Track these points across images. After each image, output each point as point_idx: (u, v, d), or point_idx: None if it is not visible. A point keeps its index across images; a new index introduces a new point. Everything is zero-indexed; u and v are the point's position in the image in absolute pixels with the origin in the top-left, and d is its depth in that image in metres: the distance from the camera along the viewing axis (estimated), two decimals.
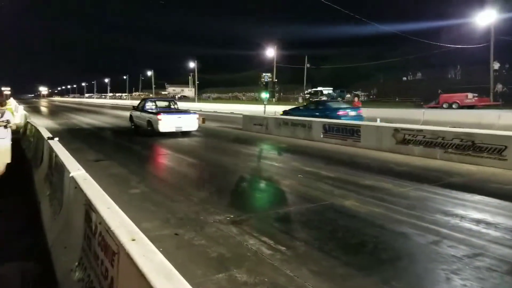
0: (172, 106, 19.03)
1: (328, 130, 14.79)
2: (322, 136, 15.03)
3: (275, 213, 6.20)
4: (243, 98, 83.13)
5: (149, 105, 18.40)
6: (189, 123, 17.10)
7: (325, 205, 6.58)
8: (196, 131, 18.27)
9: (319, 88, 68.23)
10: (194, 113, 17.63)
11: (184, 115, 17.31)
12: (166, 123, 16.49)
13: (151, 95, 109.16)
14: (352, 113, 18.81)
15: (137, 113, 18.92)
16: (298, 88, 71.13)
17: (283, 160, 11.19)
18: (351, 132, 13.75)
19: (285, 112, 21.26)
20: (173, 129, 16.67)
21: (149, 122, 17.22)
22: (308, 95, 64.12)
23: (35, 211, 6.08)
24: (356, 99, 27.09)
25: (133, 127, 19.58)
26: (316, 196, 7.12)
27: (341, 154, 12.10)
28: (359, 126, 13.72)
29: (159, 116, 16.46)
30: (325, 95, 63.39)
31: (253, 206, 6.92)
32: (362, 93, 62.03)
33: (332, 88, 69.43)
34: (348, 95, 58.36)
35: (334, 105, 19.93)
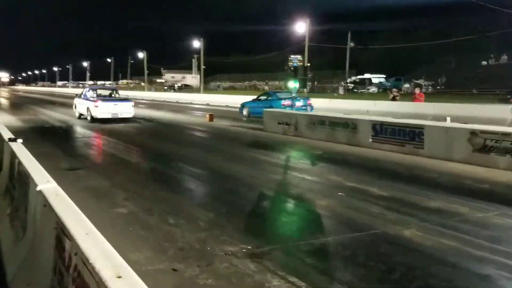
0: (113, 95, 25.55)
1: (380, 132, 14.65)
2: (371, 140, 14.89)
3: (308, 244, 6.13)
4: (265, 88, 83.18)
5: (90, 94, 24.81)
6: (126, 110, 23.69)
7: (376, 234, 6.47)
8: (202, 131, 18.47)
9: (367, 76, 67.85)
10: (130, 100, 24.85)
11: (121, 102, 23.89)
12: (102, 110, 22.77)
13: (142, 83, 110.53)
14: (299, 103, 24.53)
15: (80, 100, 25.36)
16: (338, 75, 70.91)
17: (318, 172, 11.12)
18: (411, 136, 13.57)
19: (242, 105, 28.13)
20: (109, 115, 22.79)
21: (88, 109, 23.62)
22: (352, 85, 63.88)
23: None
24: (417, 90, 26.91)
25: (77, 114, 25.99)
26: (363, 222, 7.03)
27: (397, 165, 11.95)
28: (421, 127, 13.53)
29: (95, 103, 22.77)
30: (375, 84, 63.12)
31: (278, 234, 6.86)
32: (426, 83, 61.40)
33: (384, 76, 68.99)
34: (407, 85, 57.87)
35: (281, 95, 26.37)
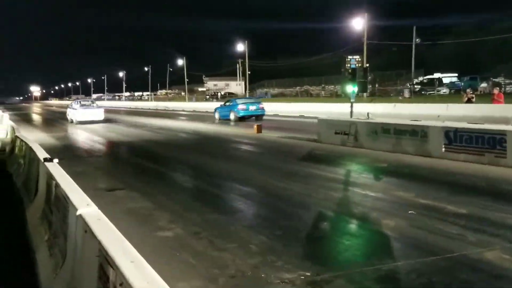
0: (92, 105, 41.79)
1: (454, 140, 14.34)
2: (443, 149, 14.59)
3: (375, 271, 6.06)
4: (322, 93, 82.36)
5: (75, 105, 40.64)
6: (97, 115, 38.31)
7: (454, 258, 6.34)
8: (250, 144, 18.66)
9: (437, 75, 66.58)
10: (101, 108, 40.75)
11: (94, 110, 39.21)
12: (81, 116, 37.75)
13: (182, 93, 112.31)
14: (252, 107, 34.70)
15: (69, 110, 41.75)
16: (403, 76, 69.87)
17: (383, 188, 10.98)
18: (491, 143, 13.23)
19: (215, 110, 39.37)
20: (86, 119, 37.13)
21: (73, 115, 38.91)
22: (419, 86, 62.81)
23: (28, 263, 6.39)
24: (496, 90, 26.33)
25: (69, 119, 40.42)
26: (438, 244, 6.90)
27: (475, 178, 11.70)
28: (503, 133, 13.17)
29: (76, 111, 38.33)
30: (446, 85, 61.87)
31: (340, 259, 6.81)
32: (506, 81, 59.52)
33: (456, 75, 67.56)
34: (484, 84, 56.38)
35: (240, 101, 37.01)
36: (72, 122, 39.05)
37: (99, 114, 38.91)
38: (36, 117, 57.38)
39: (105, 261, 3.48)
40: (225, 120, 35.92)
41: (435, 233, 7.42)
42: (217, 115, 38.28)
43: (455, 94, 53.45)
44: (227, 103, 38.28)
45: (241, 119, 34.62)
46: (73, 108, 40.11)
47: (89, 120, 37.44)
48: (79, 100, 46.10)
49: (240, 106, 35.00)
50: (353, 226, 8.34)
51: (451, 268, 6.05)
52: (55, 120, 48.11)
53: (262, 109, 35.94)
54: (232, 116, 35.41)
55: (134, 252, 3.45)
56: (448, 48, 76.97)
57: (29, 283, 5.81)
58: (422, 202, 9.41)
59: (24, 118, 53.46)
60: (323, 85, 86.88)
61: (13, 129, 19.21)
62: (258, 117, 35.01)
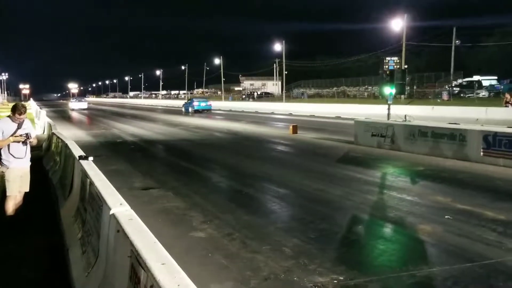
0: (82, 100, 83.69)
1: (493, 144, 14.06)
2: (482, 153, 14.32)
3: (410, 276, 5.99)
4: (365, 94, 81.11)
5: (72, 100, 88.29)
6: (83, 105, 75.63)
7: (492, 265, 6.23)
8: (285, 145, 18.79)
9: (476, 78, 65.51)
10: (86, 101, 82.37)
11: (81, 103, 78.46)
12: (74, 105, 75.49)
13: (219, 92, 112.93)
14: (203, 104, 54.74)
15: (69, 102, 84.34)
16: (441, 78, 68.88)
17: (420, 192, 10.83)
18: None
19: (183, 105, 59.22)
20: (76, 107, 73.37)
21: (71, 105, 77.07)
22: (458, 88, 61.87)
23: (61, 261, 6.48)
24: (507, 95, 26.61)
25: (70, 108, 74.00)
26: (475, 250, 6.80)
27: None
28: None
29: (71, 103, 79.18)
30: (485, 88, 60.81)
31: (374, 263, 6.73)
32: None
33: (496, 77, 66.35)
34: None
35: (195, 100, 58.13)
36: (72, 109, 70.75)
37: (84, 105, 75.96)
38: (74, 115, 58.34)
39: (136, 262, 3.48)
40: (187, 112, 54.48)
41: (472, 239, 7.30)
42: (183, 109, 57.18)
43: (495, 97, 52.52)
44: (188, 101, 59.85)
45: (196, 112, 53.10)
46: (71, 102, 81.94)
47: (78, 108, 72.82)
48: (75, 98, 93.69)
49: (195, 103, 55.42)
50: (388, 230, 8.24)
51: (487, 276, 5.95)
52: (91, 117, 48.86)
53: (210, 105, 56.39)
54: (190, 110, 54.29)
55: (165, 254, 3.45)
56: (490, 50, 75.59)
57: (63, 280, 5.89)
58: (460, 207, 9.26)
59: (61, 115, 54.46)
60: (358, 88, 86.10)
61: (50, 126, 19.52)
62: (207, 110, 54.58)
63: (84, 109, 70.07)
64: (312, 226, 8.28)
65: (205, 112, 53.21)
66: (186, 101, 63.09)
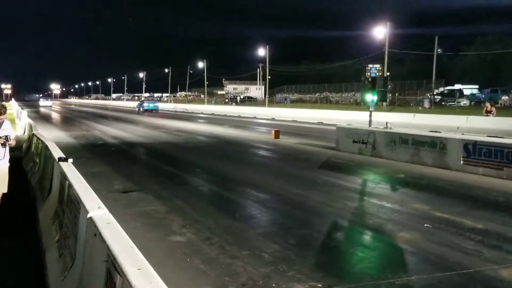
0: (47, 100, 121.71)
1: (473, 153, 14.16)
2: (462, 162, 14.42)
3: (388, 284, 5.98)
4: (349, 100, 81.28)
5: (42, 100, 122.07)
6: (48, 103, 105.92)
7: (469, 274, 6.25)
8: (267, 150, 18.84)
9: (457, 86, 66.13)
10: (51, 101, 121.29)
11: (47, 101, 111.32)
12: (41, 103, 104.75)
13: (202, 95, 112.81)
14: (151, 105, 70.31)
15: (40, 101, 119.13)
16: (423, 86, 69.49)
17: (400, 200, 10.87)
18: (511, 157, 13.03)
19: (136, 106, 73.94)
20: (43, 105, 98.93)
21: (39, 103, 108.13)
22: (439, 96, 62.42)
23: (37, 264, 6.39)
24: (488, 104, 27.41)
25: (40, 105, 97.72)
26: (454, 259, 6.81)
27: (494, 192, 11.53)
28: None
29: (40, 101, 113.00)
30: (467, 96, 61.45)
31: (353, 270, 6.75)
32: None
33: (477, 87, 67.10)
34: (505, 97, 55.78)
35: (146, 101, 78.80)
36: (41, 106, 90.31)
37: (49, 103, 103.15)
38: (55, 115, 57.86)
39: (112, 267, 3.44)
40: (139, 111, 65.43)
41: (451, 248, 7.32)
42: (137, 109, 68.49)
43: (476, 106, 53.03)
44: (140, 102, 75.32)
45: (146, 111, 64.69)
46: (40, 101, 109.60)
47: (44, 105, 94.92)
48: (43, 98, 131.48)
49: (145, 104, 69.65)
50: (367, 237, 8.26)
51: (465, 285, 5.98)
52: (73, 118, 48.50)
53: (157, 106, 70.86)
54: (141, 109, 66.00)
55: (142, 259, 3.40)
56: (471, 59, 76.33)
57: (38, 283, 5.81)
58: (439, 215, 9.29)
59: (42, 115, 53.96)
60: (340, 94, 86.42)
61: (30, 127, 19.34)
62: (155, 110, 66.48)
63: (49, 106, 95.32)
64: (292, 232, 8.27)
65: (154, 111, 65.61)
66: (139, 102, 77.99)
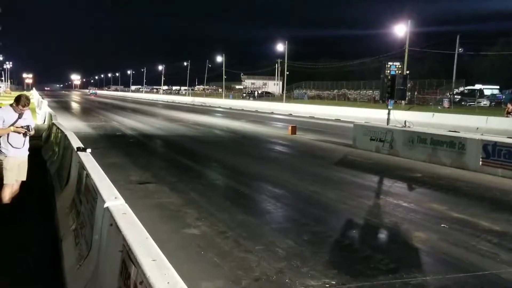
0: (95, 89, 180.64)
1: (492, 154, 14.02)
2: (481, 163, 14.28)
3: (403, 284, 5.95)
4: (366, 98, 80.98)
5: (47, 88, 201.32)
6: (94, 92, 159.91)
7: (485, 277, 6.20)
8: (284, 145, 18.94)
9: (478, 86, 65.53)
10: (95, 90, 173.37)
11: (94, 90, 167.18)
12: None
13: (220, 89, 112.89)
14: (93, 90, 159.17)
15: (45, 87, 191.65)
16: (443, 86, 68.90)
17: (417, 199, 10.80)
18: None
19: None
20: (92, 92, 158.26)
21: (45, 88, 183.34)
22: (459, 96, 61.89)
23: (54, 251, 6.46)
24: (510, 105, 26.90)
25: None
26: (470, 261, 6.76)
27: None
28: None
29: (90, 90, 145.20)
30: (487, 97, 60.84)
31: (367, 269, 6.67)
32: None
33: (498, 87, 66.40)
34: None
35: (91, 89, 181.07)
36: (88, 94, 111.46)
37: (95, 92, 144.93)
38: (74, 106, 58.29)
39: (127, 257, 3.46)
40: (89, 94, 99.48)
41: (467, 249, 7.26)
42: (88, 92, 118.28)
43: (496, 106, 52.52)
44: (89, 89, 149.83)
45: (91, 94, 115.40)
46: (45, 88, 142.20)
47: (91, 93, 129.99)
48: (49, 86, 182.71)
49: (92, 90, 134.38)
50: (383, 236, 8.23)
51: (481, 287, 5.92)
52: (92, 109, 48.83)
53: (96, 91, 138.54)
54: (89, 92, 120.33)
55: (157, 250, 3.42)
56: (493, 58, 75.57)
57: (55, 270, 5.86)
58: (456, 216, 9.21)
59: (62, 105, 54.41)
60: (359, 91, 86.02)
61: (50, 116, 19.48)
62: (93, 95, 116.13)
63: (95, 94, 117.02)
64: (306, 228, 8.25)
65: (93, 95, 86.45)
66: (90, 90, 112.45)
